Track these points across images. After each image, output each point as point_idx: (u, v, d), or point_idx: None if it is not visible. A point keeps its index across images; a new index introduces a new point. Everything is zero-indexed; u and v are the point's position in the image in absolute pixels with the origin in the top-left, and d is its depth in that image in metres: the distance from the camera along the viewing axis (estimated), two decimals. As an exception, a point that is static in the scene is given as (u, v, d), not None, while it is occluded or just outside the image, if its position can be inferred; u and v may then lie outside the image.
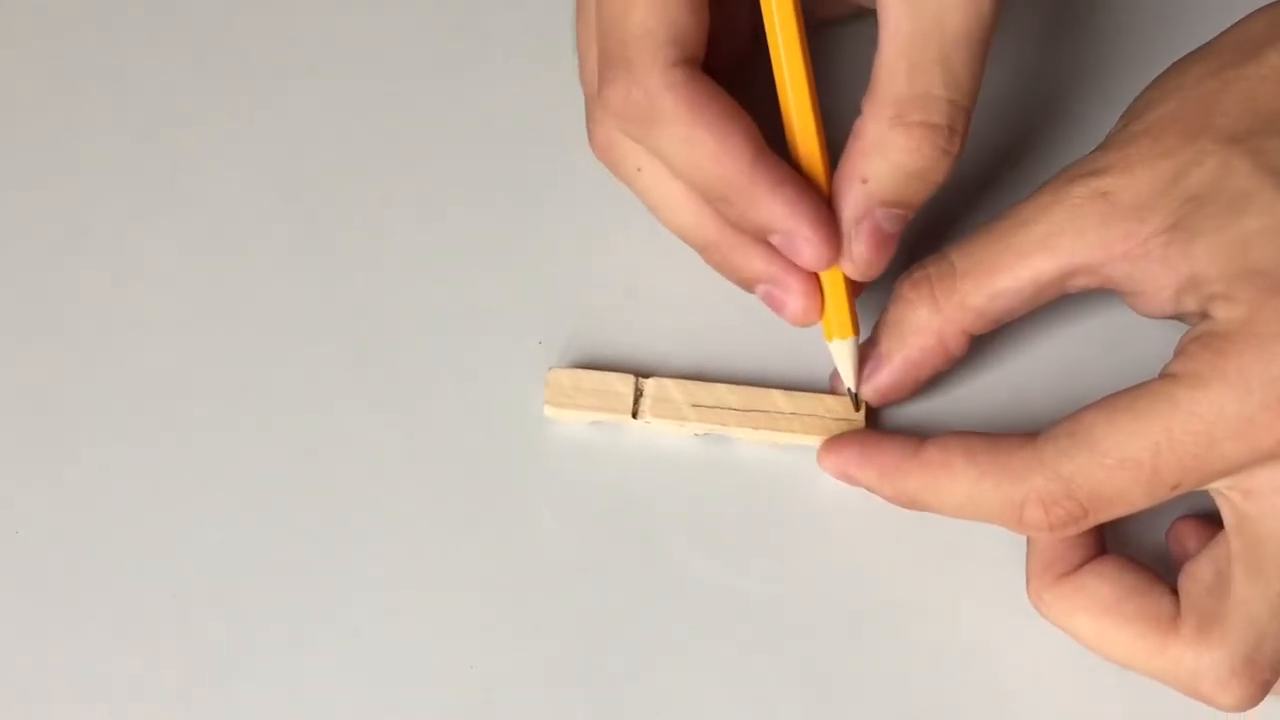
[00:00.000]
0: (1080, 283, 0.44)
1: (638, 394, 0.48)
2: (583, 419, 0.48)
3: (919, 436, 0.45)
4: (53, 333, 0.50)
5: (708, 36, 0.45)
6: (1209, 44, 0.45)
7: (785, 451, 0.48)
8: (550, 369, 0.48)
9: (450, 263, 0.51)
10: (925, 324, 0.46)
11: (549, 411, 0.48)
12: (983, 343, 0.47)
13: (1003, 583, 0.46)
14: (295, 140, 0.52)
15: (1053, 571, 0.44)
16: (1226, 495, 0.42)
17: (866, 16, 0.46)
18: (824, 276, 0.46)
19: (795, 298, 0.46)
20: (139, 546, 0.47)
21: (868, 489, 0.46)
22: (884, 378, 0.47)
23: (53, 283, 0.50)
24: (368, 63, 0.53)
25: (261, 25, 0.54)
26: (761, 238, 0.45)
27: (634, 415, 0.48)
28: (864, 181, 0.44)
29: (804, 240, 0.44)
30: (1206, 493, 0.42)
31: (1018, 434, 0.43)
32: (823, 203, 0.45)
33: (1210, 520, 0.45)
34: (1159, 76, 0.45)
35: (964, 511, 0.44)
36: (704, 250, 0.47)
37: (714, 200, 0.45)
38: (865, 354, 0.47)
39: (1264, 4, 0.45)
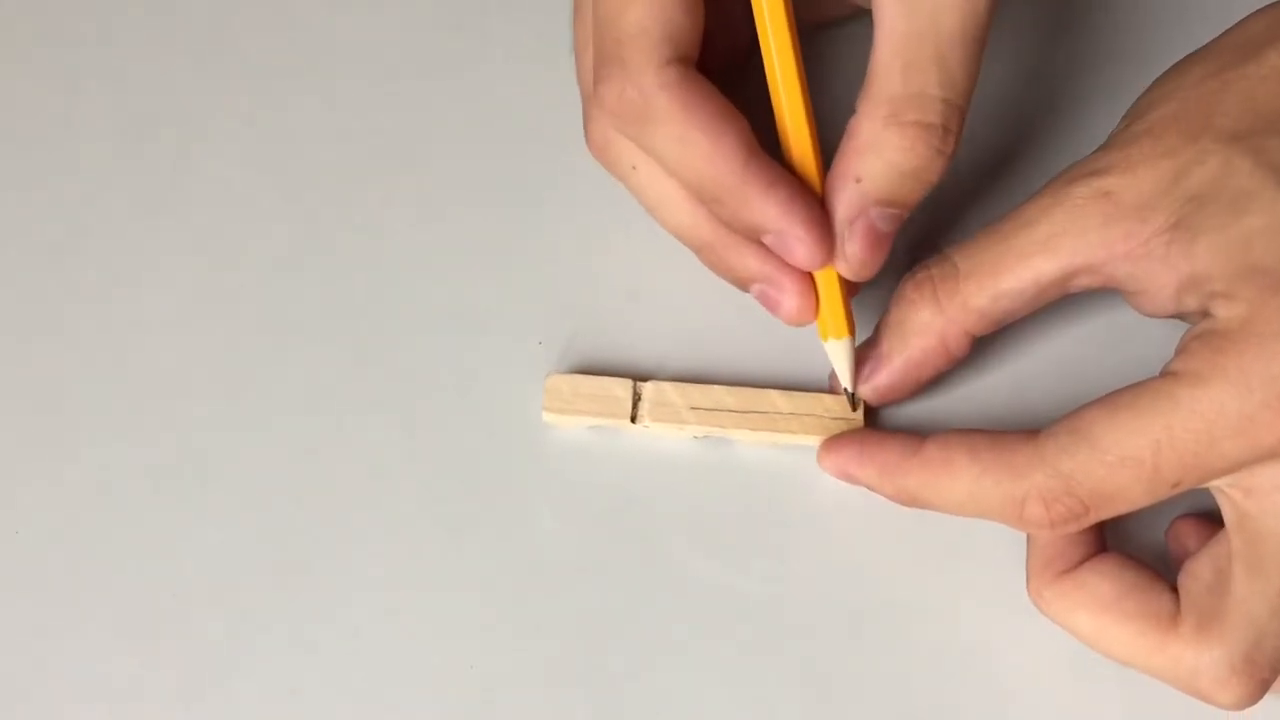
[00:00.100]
0: (1082, 282, 0.44)
1: (636, 398, 0.48)
2: (582, 424, 0.48)
3: (919, 434, 0.45)
4: (53, 333, 0.50)
5: (703, 36, 0.45)
6: (1209, 44, 0.45)
7: (785, 452, 0.48)
8: (548, 375, 0.48)
9: (450, 263, 0.51)
10: (927, 325, 0.46)
11: (548, 418, 0.48)
12: (983, 342, 0.47)
13: (1003, 583, 0.47)
14: (295, 140, 0.52)
15: (1053, 569, 0.44)
16: (1227, 493, 0.42)
17: (862, 17, 0.46)
18: (818, 276, 0.46)
19: (790, 297, 0.46)
20: (139, 546, 0.47)
21: (868, 487, 0.46)
22: (884, 378, 0.47)
23: (53, 283, 0.50)
24: (368, 63, 0.53)
25: (261, 25, 0.54)
26: (755, 238, 0.45)
27: (633, 420, 0.48)
28: (858, 181, 0.44)
29: (796, 240, 0.44)
30: (1206, 491, 0.42)
31: (1019, 431, 0.43)
32: (816, 203, 0.45)
33: (1210, 519, 0.45)
34: (1160, 77, 0.45)
35: (965, 509, 0.44)
36: (699, 250, 0.47)
37: (707, 200, 0.45)
38: (866, 354, 0.47)
39: (1264, 4, 0.45)
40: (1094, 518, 0.42)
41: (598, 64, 0.44)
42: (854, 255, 0.45)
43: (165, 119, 0.52)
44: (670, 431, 0.48)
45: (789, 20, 0.44)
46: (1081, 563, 0.44)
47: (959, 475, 0.43)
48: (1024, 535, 0.45)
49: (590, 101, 0.46)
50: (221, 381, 0.49)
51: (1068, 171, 0.44)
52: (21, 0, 0.54)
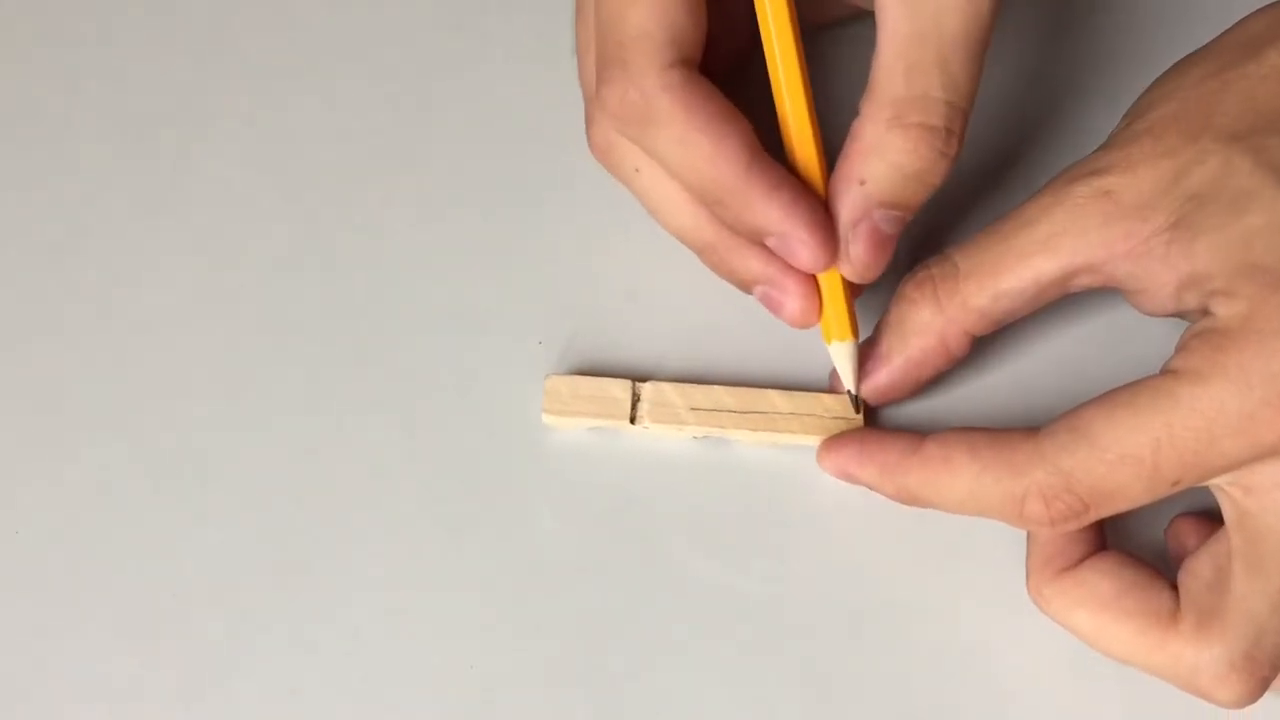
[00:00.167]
0: (1083, 282, 0.44)
1: (635, 399, 0.48)
2: (581, 425, 0.48)
3: (919, 433, 0.45)
4: (53, 333, 0.50)
5: (706, 37, 0.45)
6: (1210, 44, 0.45)
7: (784, 452, 0.48)
8: (547, 376, 0.48)
9: (450, 263, 0.51)
10: (928, 325, 0.46)
11: (547, 419, 0.48)
12: (983, 342, 0.47)
13: (1003, 582, 0.46)
14: (295, 140, 0.52)
15: (1053, 566, 0.44)
16: (1227, 491, 0.42)
17: (864, 18, 0.46)
18: (822, 278, 0.46)
19: (793, 299, 0.46)
20: (139, 546, 0.47)
21: (868, 486, 0.46)
22: (884, 377, 0.47)
23: (53, 283, 0.50)
24: (368, 63, 0.53)
25: (261, 25, 0.54)
26: (758, 240, 0.45)
27: (632, 421, 0.48)
28: (861, 183, 0.44)
29: (800, 243, 0.44)
30: (1206, 490, 0.42)
31: (1019, 429, 0.43)
32: (819, 205, 0.45)
33: (1209, 518, 0.45)
34: (1160, 77, 0.45)
35: (965, 507, 0.44)
36: (702, 252, 0.47)
37: (710, 203, 0.45)
38: (866, 353, 0.47)
39: (1264, 4, 0.45)
40: (1094, 515, 0.42)
41: (600, 66, 0.44)
42: (858, 258, 0.45)
43: (165, 119, 0.52)
44: (670, 432, 0.48)
45: (793, 22, 0.44)
46: (1081, 560, 0.44)
47: (959, 473, 0.43)
48: (1024, 534, 0.45)
49: (592, 104, 0.46)
50: (221, 381, 0.49)
51: (1068, 171, 0.44)
52: (21, 0, 0.54)
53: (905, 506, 0.45)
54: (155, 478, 0.48)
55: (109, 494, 0.48)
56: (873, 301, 0.48)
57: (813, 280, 0.46)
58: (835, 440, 0.47)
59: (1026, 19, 0.53)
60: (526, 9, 0.53)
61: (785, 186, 0.44)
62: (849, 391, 0.47)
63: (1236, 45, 0.44)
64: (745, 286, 0.47)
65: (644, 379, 0.48)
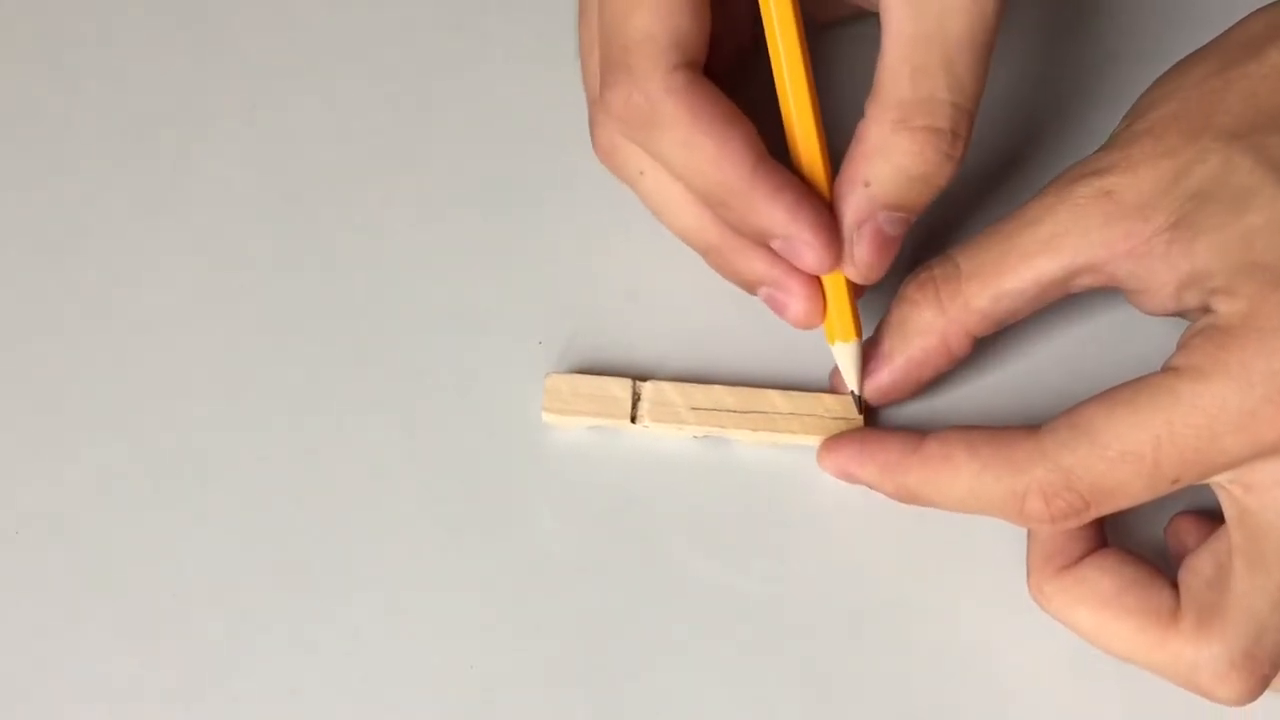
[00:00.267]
0: (1084, 282, 0.44)
1: (635, 398, 0.48)
2: (581, 424, 0.48)
3: (919, 432, 0.45)
4: (53, 333, 0.50)
5: (709, 38, 0.45)
6: (1211, 44, 0.45)
7: (784, 452, 0.48)
8: (548, 375, 0.48)
9: (450, 263, 0.51)
10: (929, 325, 0.46)
11: (547, 418, 0.48)
12: (984, 342, 0.47)
13: (1003, 582, 0.46)
14: (295, 140, 0.52)
15: (1053, 564, 0.44)
16: (1228, 489, 0.42)
17: (868, 18, 0.46)
18: (826, 280, 0.46)
19: (797, 300, 0.46)
20: (139, 546, 0.47)
21: (868, 486, 0.46)
22: (885, 377, 0.47)
23: (53, 283, 0.50)
24: (368, 63, 0.53)
25: (261, 25, 0.54)
26: (763, 242, 0.45)
27: (632, 420, 0.48)
28: (866, 185, 0.44)
29: (805, 245, 0.44)
30: (1206, 488, 0.42)
31: (1019, 427, 0.43)
32: (824, 207, 0.45)
33: (1209, 516, 0.45)
34: (1161, 76, 0.45)
35: (965, 505, 0.44)
36: (706, 253, 0.47)
37: (714, 205, 0.45)
38: (868, 354, 0.47)
39: (1264, 4, 0.45)
40: (1094, 513, 0.42)
41: (604, 69, 0.44)
42: (862, 259, 0.45)
43: (165, 119, 0.52)
44: (670, 431, 0.48)
45: (797, 23, 0.44)
46: (1082, 558, 0.44)
47: (959, 471, 0.43)
48: (1023, 534, 0.45)
49: (596, 106, 0.46)
50: (221, 381, 0.49)
51: (1069, 171, 0.44)
52: (21, 0, 0.54)
53: (905, 506, 0.45)
54: (155, 478, 0.48)
55: (109, 494, 0.48)
56: (875, 301, 0.48)
57: (817, 281, 0.46)
58: (835, 440, 0.47)
59: (1030, 21, 0.53)
60: (526, 9, 0.53)
61: (790, 188, 0.44)
62: (852, 392, 0.47)
63: (1237, 44, 0.44)
64: (750, 288, 0.47)
65: (644, 379, 0.48)
